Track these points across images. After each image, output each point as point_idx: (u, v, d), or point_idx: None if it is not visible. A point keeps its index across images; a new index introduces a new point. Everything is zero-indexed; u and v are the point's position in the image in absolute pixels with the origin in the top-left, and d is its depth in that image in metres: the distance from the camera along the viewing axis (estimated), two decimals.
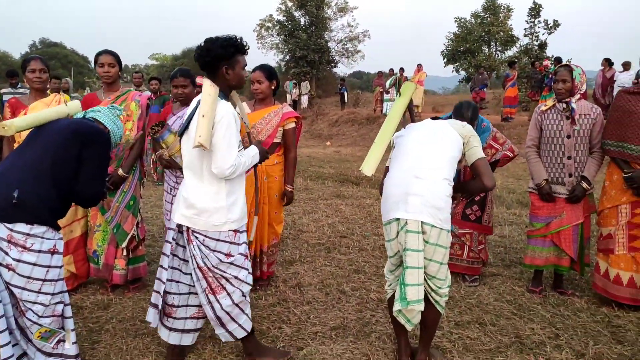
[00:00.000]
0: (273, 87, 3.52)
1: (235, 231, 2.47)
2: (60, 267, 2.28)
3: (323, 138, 16.80)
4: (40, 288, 2.17)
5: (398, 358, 2.65)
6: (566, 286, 3.67)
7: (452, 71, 28.26)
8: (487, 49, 26.74)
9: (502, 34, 25.53)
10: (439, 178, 2.39)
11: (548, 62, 14.00)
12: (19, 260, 2.10)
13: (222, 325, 2.50)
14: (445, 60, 27.82)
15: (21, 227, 2.10)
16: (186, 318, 2.58)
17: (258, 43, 29.68)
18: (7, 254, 2.10)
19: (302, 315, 3.21)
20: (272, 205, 3.59)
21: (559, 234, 3.43)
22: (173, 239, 2.51)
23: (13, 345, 2.16)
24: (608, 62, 12.68)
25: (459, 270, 3.80)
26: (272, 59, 30.43)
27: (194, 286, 2.54)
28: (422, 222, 2.31)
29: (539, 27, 24.14)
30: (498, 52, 27.04)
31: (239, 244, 2.49)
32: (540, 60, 16.19)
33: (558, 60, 12.79)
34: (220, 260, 2.42)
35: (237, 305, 2.49)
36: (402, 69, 16.36)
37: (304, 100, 21.63)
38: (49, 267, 2.20)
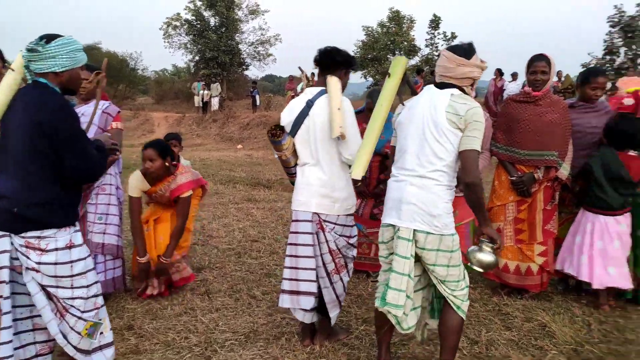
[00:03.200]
0: (167, 164, 3.41)
1: (353, 215, 2.89)
2: (85, 258, 2.24)
3: (234, 141, 16.54)
4: (72, 283, 2.18)
5: None
6: None
7: (361, 77, 29.26)
8: (392, 57, 28.00)
9: (405, 43, 26.89)
10: (435, 185, 2.27)
11: None
12: (40, 263, 2.11)
13: (339, 304, 2.84)
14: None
15: (32, 233, 2.10)
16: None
17: (165, 42, 28.52)
18: (28, 258, 2.11)
19: (211, 323, 3.12)
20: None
21: None
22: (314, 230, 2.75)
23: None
24: (499, 72, 13.88)
25: (365, 267, 3.93)
26: (181, 59, 29.48)
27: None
28: (415, 230, 2.28)
29: (438, 39, 25.81)
30: None
31: (353, 226, 2.89)
32: None
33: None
34: (347, 242, 2.83)
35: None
36: (313, 74, 16.60)
37: (215, 102, 21.16)
38: (72, 262, 2.17)
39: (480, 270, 2.34)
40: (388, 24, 27.47)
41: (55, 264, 2.13)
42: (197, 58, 28.40)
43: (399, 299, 2.27)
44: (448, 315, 2.37)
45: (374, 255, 3.90)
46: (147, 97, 34.14)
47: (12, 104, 2.19)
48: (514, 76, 13.89)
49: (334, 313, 2.81)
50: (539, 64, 3.40)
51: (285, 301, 2.81)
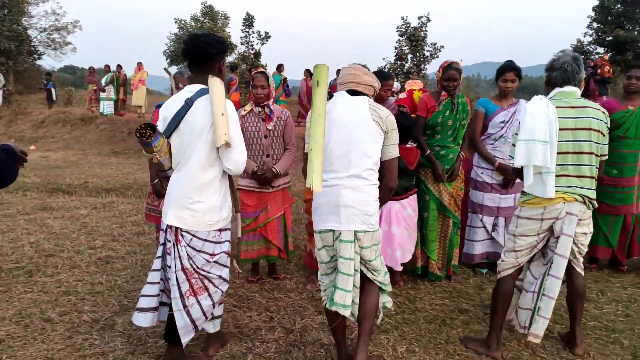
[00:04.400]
0: None
1: (221, 230, 2.58)
2: None
3: (26, 141, 14.26)
4: None
5: None
6: (280, 271, 4.07)
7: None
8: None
9: None
10: (367, 185, 2.43)
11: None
12: None
13: (195, 329, 2.51)
14: (169, 60, 27.39)
15: None
16: None
17: None
18: None
19: None
20: None
21: (266, 226, 3.75)
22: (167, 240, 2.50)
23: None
24: (309, 73, 14.71)
25: None
26: None
27: None
28: (355, 231, 2.39)
29: (253, 37, 26.20)
30: None
31: (222, 243, 2.59)
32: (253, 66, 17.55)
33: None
34: (208, 260, 2.51)
35: (213, 305, 2.56)
36: (119, 66, 15.30)
37: None
38: None
39: None
40: (202, 18, 26.88)
41: None
42: None
43: (346, 299, 2.39)
44: (373, 298, 2.53)
45: None
46: None
47: None
48: None
49: (186, 339, 2.49)
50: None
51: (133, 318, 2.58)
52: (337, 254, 2.43)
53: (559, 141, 2.61)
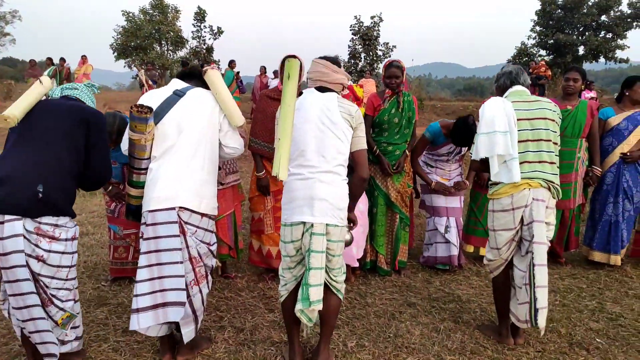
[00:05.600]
0: None
1: (213, 219, 2.71)
2: (76, 252, 2.41)
3: None
4: (67, 275, 2.35)
5: None
6: (230, 270, 4.01)
7: (125, 66, 27.09)
8: (158, 47, 26.75)
9: (172, 34, 25.99)
10: (339, 179, 2.48)
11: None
12: (49, 251, 2.24)
13: (196, 320, 2.55)
14: (116, 54, 26.43)
15: (48, 219, 2.24)
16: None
17: None
18: (37, 245, 2.22)
19: None
20: None
21: (215, 224, 3.68)
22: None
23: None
24: (264, 70, 14.63)
25: (127, 274, 3.65)
26: None
27: None
28: (327, 225, 2.41)
29: (205, 32, 25.71)
30: (170, 51, 27.44)
31: (213, 232, 2.70)
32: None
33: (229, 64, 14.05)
34: (209, 249, 2.62)
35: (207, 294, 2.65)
36: (62, 60, 14.63)
37: None
38: (73, 253, 2.37)
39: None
40: (151, 11, 26.09)
41: (63, 253, 2.30)
42: None
43: (320, 294, 2.41)
44: (332, 300, 2.55)
45: (132, 259, 3.64)
46: None
47: (43, 105, 2.43)
48: (276, 74, 14.83)
49: (187, 329, 2.52)
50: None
51: (145, 320, 2.41)
52: (306, 248, 2.44)
53: (518, 130, 2.78)
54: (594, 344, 2.92)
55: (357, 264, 3.84)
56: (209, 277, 2.66)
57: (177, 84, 2.71)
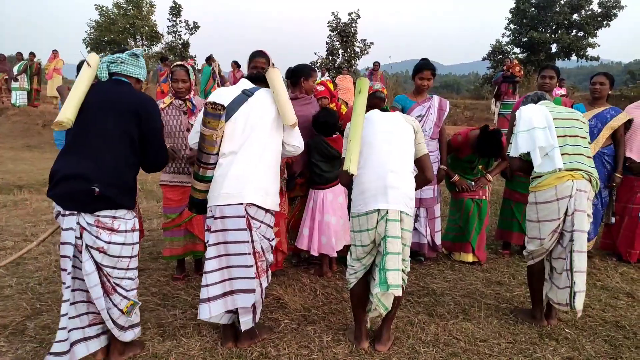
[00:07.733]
0: None
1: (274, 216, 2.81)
2: (138, 242, 2.53)
3: None
4: (128, 265, 2.48)
5: (358, 343, 2.78)
6: None
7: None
8: (133, 42, 26.30)
9: (147, 28, 25.56)
10: (408, 172, 2.69)
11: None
12: (109, 242, 2.36)
13: (254, 311, 2.66)
14: (89, 49, 25.86)
15: (106, 212, 2.35)
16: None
17: None
18: (98, 237, 2.34)
19: None
20: None
21: (191, 221, 3.66)
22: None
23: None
24: (236, 64, 14.42)
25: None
26: None
27: None
28: (400, 212, 2.55)
29: (180, 27, 25.36)
30: (145, 46, 26.99)
31: (272, 228, 2.78)
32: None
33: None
34: (270, 244, 2.72)
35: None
36: (32, 54, 14.23)
37: None
38: (133, 244, 2.49)
39: None
40: (125, 5, 25.59)
41: (123, 244, 2.41)
42: None
43: (398, 278, 2.53)
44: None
45: None
46: None
47: (94, 95, 2.46)
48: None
49: (245, 318, 2.65)
50: (259, 60, 3.55)
51: (216, 307, 2.60)
52: (381, 235, 2.57)
53: (555, 127, 2.95)
54: (562, 334, 3.01)
55: (335, 254, 3.87)
56: (269, 272, 2.79)
57: (245, 83, 2.83)
